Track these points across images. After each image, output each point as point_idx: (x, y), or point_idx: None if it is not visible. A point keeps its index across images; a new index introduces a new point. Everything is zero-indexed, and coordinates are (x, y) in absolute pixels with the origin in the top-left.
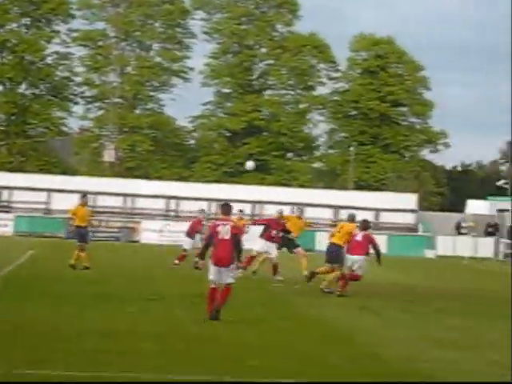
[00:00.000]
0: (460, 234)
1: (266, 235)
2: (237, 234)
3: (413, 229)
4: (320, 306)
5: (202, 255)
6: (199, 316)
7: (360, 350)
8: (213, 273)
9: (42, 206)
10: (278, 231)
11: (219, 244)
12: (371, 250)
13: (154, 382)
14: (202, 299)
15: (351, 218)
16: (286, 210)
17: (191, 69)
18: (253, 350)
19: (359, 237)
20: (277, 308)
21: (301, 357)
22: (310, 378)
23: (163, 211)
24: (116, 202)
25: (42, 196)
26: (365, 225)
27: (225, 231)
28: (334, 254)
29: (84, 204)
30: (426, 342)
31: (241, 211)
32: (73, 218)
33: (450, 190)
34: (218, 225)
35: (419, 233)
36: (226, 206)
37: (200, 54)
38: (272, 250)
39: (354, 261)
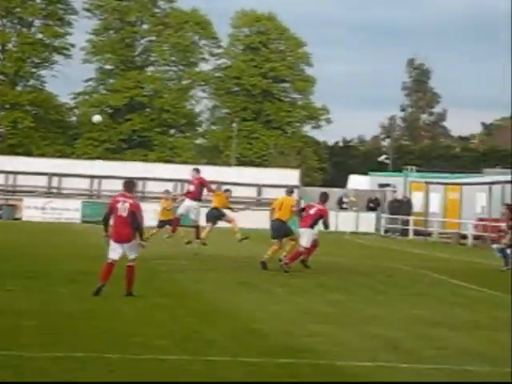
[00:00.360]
0: (342, 209)
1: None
2: (134, 211)
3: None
4: (201, 282)
5: (105, 228)
6: (81, 293)
7: (240, 326)
8: (113, 248)
9: None
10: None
11: (117, 220)
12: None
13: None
14: (84, 276)
15: (289, 192)
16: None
17: (73, 45)
18: (134, 326)
19: (313, 210)
20: (158, 284)
21: (180, 333)
22: (190, 354)
23: (45, 188)
24: None
25: None
26: (324, 197)
27: (123, 208)
28: (278, 229)
29: None
30: (305, 317)
31: (167, 191)
32: None
33: (331, 166)
34: (118, 201)
35: None
36: (128, 184)
37: (81, 30)
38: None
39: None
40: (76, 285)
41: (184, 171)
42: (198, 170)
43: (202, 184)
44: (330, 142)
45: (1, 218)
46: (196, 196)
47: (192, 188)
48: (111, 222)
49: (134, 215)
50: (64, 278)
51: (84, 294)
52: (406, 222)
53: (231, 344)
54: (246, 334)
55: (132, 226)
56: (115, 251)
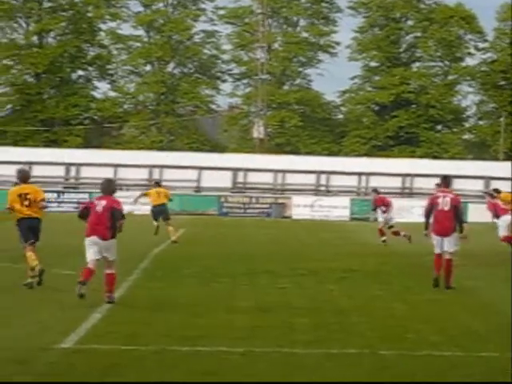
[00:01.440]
0: None
1: None
2: (455, 205)
3: None
4: (473, 278)
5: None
6: (351, 290)
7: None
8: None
9: (193, 184)
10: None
11: (439, 215)
12: None
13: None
14: (353, 274)
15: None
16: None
17: (338, 43)
18: (407, 322)
19: None
20: (425, 279)
21: (454, 329)
22: (464, 350)
23: (314, 186)
24: (266, 178)
25: (192, 174)
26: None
27: (444, 202)
28: None
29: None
30: None
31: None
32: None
33: None
34: (438, 196)
35: None
36: (445, 179)
37: (346, 28)
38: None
39: None
40: (345, 282)
41: (449, 166)
42: None
43: None
44: None
45: (270, 216)
46: None
47: None
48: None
49: (457, 209)
50: (334, 276)
51: (354, 291)
52: None
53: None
54: None
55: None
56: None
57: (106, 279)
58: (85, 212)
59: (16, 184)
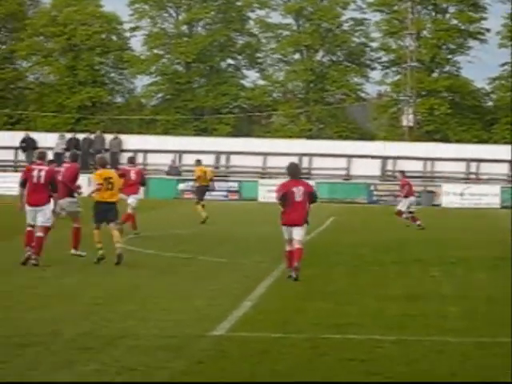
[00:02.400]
0: None
1: None
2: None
3: None
4: None
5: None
6: (501, 279)
7: None
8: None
9: (342, 172)
10: None
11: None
12: None
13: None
14: (503, 262)
15: None
16: None
17: (488, 30)
18: None
19: None
20: None
21: None
22: None
23: (464, 174)
24: (416, 166)
25: (342, 162)
26: None
27: None
28: None
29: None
30: None
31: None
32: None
33: None
34: None
35: None
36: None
37: (496, 14)
38: None
39: None
40: (496, 270)
41: None
42: None
43: None
44: None
45: (420, 205)
46: None
47: None
48: None
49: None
50: (484, 264)
51: (504, 279)
52: None
53: None
54: None
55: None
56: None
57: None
58: (282, 199)
59: (96, 169)
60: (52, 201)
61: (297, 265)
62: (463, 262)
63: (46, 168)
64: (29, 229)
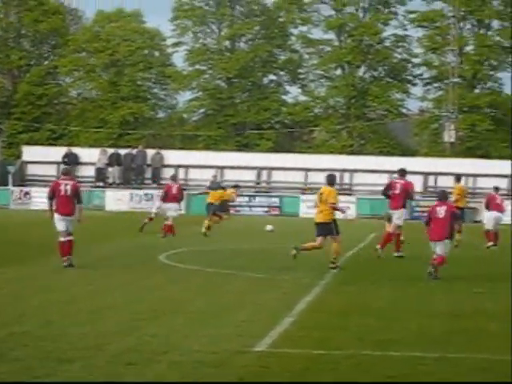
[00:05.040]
0: None
1: None
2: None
3: None
4: None
5: None
6: None
7: None
8: None
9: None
10: None
11: None
12: None
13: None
14: None
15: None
16: None
17: None
18: None
19: None
20: None
21: None
22: None
23: (506, 190)
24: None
25: (383, 178)
26: None
27: None
28: None
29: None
30: None
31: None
32: None
33: None
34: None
35: None
36: None
37: None
38: None
39: None
40: None
41: None
42: None
43: None
44: None
45: (464, 222)
46: None
47: None
48: None
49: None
50: None
51: None
52: None
53: None
54: None
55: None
56: None
57: None
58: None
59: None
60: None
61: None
62: (507, 279)
63: (71, 182)
64: (61, 240)
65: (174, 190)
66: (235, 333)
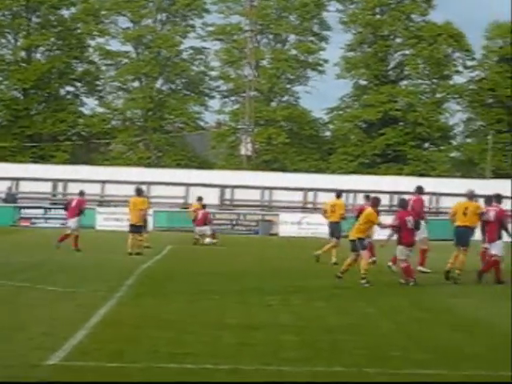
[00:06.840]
0: None
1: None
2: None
3: None
4: (457, 296)
5: None
6: (340, 308)
7: (501, 340)
8: None
9: (180, 201)
10: None
11: None
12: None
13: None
14: (342, 291)
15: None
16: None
17: (326, 61)
18: (392, 340)
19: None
20: (413, 298)
21: (439, 346)
22: (449, 368)
23: (301, 203)
24: (253, 195)
25: (180, 190)
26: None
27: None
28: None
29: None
30: None
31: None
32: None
33: None
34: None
35: None
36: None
37: (334, 45)
38: None
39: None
40: (335, 299)
41: (438, 184)
42: None
43: None
44: None
45: (258, 234)
46: None
47: None
48: None
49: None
50: (323, 293)
51: (343, 308)
52: None
53: (491, 358)
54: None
55: None
56: None
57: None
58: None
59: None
60: None
61: None
62: (301, 291)
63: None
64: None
65: None
66: (30, 346)
